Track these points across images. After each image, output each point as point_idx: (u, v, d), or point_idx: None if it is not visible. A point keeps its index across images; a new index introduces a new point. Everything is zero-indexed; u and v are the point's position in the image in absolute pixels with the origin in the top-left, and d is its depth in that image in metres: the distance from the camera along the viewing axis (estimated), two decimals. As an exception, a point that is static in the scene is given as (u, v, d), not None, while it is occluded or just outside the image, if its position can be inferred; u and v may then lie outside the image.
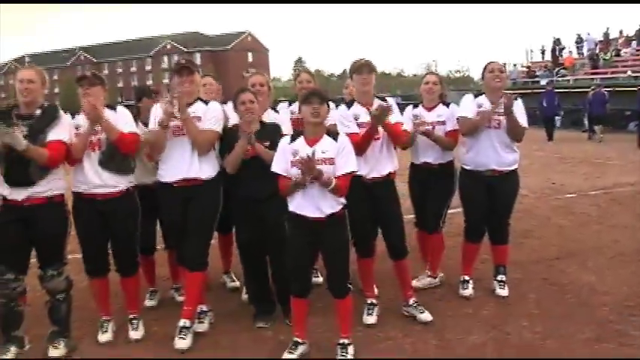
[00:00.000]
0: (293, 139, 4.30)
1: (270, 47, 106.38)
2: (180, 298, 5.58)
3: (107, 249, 4.90)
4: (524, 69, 36.97)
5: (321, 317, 4.88)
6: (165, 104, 4.65)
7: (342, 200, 4.24)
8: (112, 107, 4.79)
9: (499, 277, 5.57)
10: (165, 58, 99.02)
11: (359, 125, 4.80)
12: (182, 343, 4.64)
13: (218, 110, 4.91)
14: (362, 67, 4.89)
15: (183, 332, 4.68)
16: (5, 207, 4.50)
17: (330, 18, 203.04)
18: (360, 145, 4.60)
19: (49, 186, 4.52)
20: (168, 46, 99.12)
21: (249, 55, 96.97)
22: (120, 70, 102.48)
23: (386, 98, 5.02)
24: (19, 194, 4.44)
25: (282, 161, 4.21)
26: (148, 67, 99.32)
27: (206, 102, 4.93)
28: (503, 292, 5.47)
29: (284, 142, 4.30)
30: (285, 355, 4.34)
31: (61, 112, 4.66)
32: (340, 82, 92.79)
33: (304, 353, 4.42)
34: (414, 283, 5.54)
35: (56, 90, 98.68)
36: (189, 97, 4.80)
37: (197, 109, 4.82)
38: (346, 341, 4.35)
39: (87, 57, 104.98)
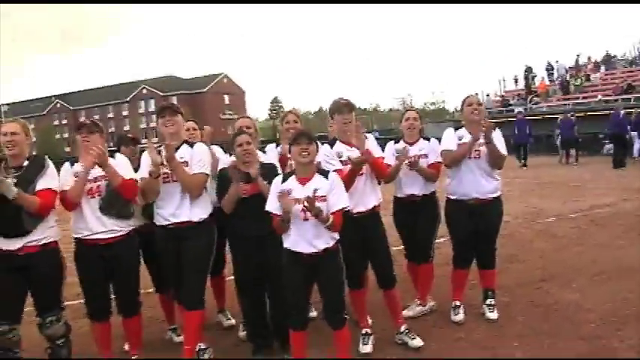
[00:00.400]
0: (285, 179, 4.49)
1: (246, 88, 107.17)
2: (178, 339, 5.73)
3: (109, 292, 5.01)
4: (499, 98, 37.60)
5: (317, 349, 4.98)
6: (153, 154, 4.78)
7: (335, 235, 4.43)
8: (111, 155, 4.92)
9: (488, 301, 5.74)
10: (142, 103, 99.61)
11: (342, 162, 4.98)
12: None
13: (204, 152, 5.07)
14: (342, 108, 5.10)
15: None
16: (0, 257, 4.58)
17: (305, 57, 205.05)
18: (346, 182, 4.76)
19: (44, 234, 4.61)
20: (145, 91, 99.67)
21: (226, 97, 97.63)
22: (97, 117, 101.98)
23: (366, 135, 5.22)
24: (13, 244, 4.53)
25: (276, 200, 4.37)
26: (125, 113, 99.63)
27: (191, 144, 5.08)
28: (493, 315, 5.64)
29: (277, 182, 4.48)
30: None
31: (49, 161, 4.77)
32: (316, 119, 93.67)
33: (305, 383, 4.55)
34: (406, 312, 5.71)
35: (33, 139, 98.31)
36: (174, 139, 4.95)
37: (184, 153, 4.96)
38: (345, 371, 4.48)
39: (63, 104, 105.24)
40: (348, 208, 4.61)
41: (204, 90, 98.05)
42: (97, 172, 4.78)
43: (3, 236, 4.55)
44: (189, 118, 5.64)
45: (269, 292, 5.11)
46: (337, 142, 5.14)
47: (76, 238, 4.92)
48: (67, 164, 4.94)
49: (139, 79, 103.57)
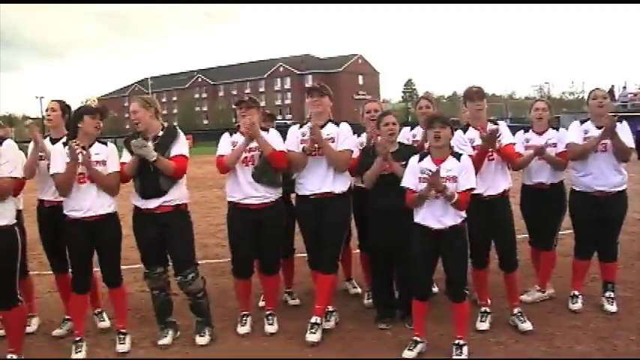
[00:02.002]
0: (421, 158, 4.86)
1: (381, 69, 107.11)
2: (294, 302, 6.33)
3: (253, 253, 5.54)
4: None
5: (437, 324, 5.32)
6: (317, 134, 5.25)
7: (463, 214, 4.75)
8: (266, 129, 5.45)
9: (607, 294, 5.80)
10: (278, 80, 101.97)
11: (474, 148, 5.24)
12: (313, 337, 5.23)
13: (349, 130, 5.50)
14: (474, 95, 5.38)
15: (314, 328, 5.27)
16: (141, 214, 5.26)
17: (441, 41, 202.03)
18: (476, 164, 5.02)
19: (177, 195, 5.20)
20: (281, 69, 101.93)
21: (360, 77, 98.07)
22: (234, 92, 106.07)
23: (497, 122, 5.49)
24: (152, 204, 5.17)
25: (412, 177, 4.78)
26: (262, 89, 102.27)
27: (337, 123, 5.51)
28: (612, 307, 5.70)
29: (413, 161, 4.87)
30: (405, 353, 4.86)
31: (180, 131, 5.36)
32: (450, 103, 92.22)
33: (422, 351, 4.91)
34: (525, 297, 5.93)
35: (175, 110, 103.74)
36: (320, 118, 5.44)
37: (330, 130, 5.42)
38: (461, 342, 4.81)
39: (204, 79, 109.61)
40: (480, 191, 4.91)
41: (340, 70, 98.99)
42: (253, 143, 5.30)
43: (142, 196, 5.20)
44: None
45: (398, 263, 5.50)
46: (470, 127, 5.40)
47: (229, 202, 5.51)
48: (226, 134, 5.53)
49: (276, 56, 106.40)
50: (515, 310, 5.45)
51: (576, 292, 5.86)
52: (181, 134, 5.33)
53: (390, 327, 5.52)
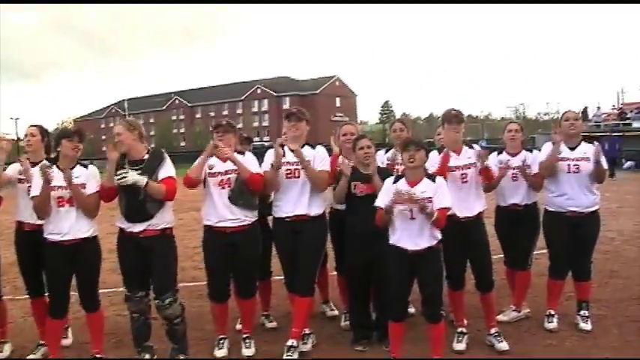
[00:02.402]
0: (396, 180, 4.92)
1: (358, 91, 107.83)
2: (271, 325, 6.31)
3: (229, 276, 5.54)
4: (615, 110, 36.09)
5: (414, 344, 5.30)
6: (276, 151, 5.30)
7: (438, 235, 4.80)
8: (242, 152, 5.50)
9: (582, 312, 5.87)
10: (256, 103, 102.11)
11: (449, 170, 5.32)
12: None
13: (324, 152, 5.58)
14: (452, 118, 5.46)
15: (291, 351, 5.25)
16: (125, 237, 5.22)
17: (417, 62, 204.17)
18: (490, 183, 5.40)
19: (163, 219, 5.16)
20: (259, 91, 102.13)
21: (337, 99, 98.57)
22: (212, 114, 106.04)
23: (473, 145, 5.59)
24: (137, 227, 5.13)
25: (386, 198, 4.81)
26: (239, 111, 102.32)
27: (313, 146, 5.58)
28: (587, 326, 5.77)
29: (388, 182, 4.93)
30: None
31: (165, 153, 5.34)
32: (427, 125, 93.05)
33: (400, 373, 4.93)
34: (501, 317, 5.96)
35: (152, 132, 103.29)
36: (297, 141, 5.46)
37: (307, 153, 5.45)
38: (438, 363, 4.83)
39: (181, 101, 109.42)
40: (455, 213, 5.00)
41: (317, 92, 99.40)
42: (228, 166, 5.34)
43: (127, 220, 5.16)
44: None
45: (374, 285, 5.52)
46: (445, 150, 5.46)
47: (205, 225, 5.50)
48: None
49: (253, 78, 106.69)
50: (492, 330, 5.48)
51: (552, 312, 5.91)
52: (167, 157, 5.30)
53: (367, 349, 5.52)
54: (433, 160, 5.31)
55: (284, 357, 5.24)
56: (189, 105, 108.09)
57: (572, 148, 5.67)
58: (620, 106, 36.74)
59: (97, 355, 5.31)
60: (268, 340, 5.88)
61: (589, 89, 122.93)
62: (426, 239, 4.76)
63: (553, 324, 5.84)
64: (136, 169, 5.03)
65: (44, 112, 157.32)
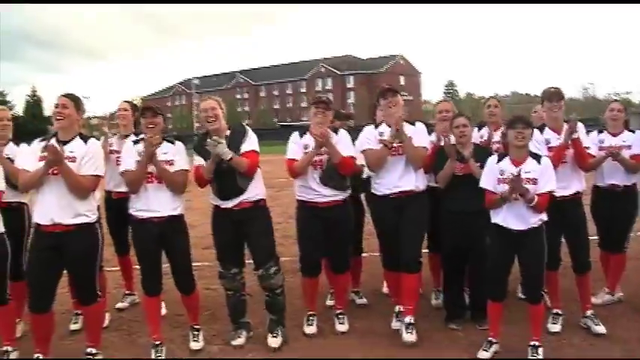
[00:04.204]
0: (500, 159, 4.87)
1: (422, 70, 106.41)
2: (361, 301, 6.35)
3: (322, 251, 5.58)
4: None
5: (507, 325, 5.22)
6: (393, 131, 5.24)
7: (543, 216, 4.75)
8: (335, 129, 5.49)
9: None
10: (320, 81, 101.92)
11: (549, 149, 5.24)
12: (410, 337, 5.22)
13: (423, 130, 5.49)
14: (552, 95, 5.36)
15: (410, 328, 5.26)
16: (219, 212, 5.29)
17: (482, 41, 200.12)
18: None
19: (255, 191, 5.21)
20: (323, 70, 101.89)
21: (402, 78, 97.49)
22: (276, 93, 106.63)
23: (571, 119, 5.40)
24: (231, 203, 5.19)
25: (491, 178, 4.80)
26: (303, 90, 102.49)
27: (413, 122, 5.49)
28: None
29: (491, 162, 4.89)
30: (481, 353, 4.88)
31: (248, 127, 5.36)
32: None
33: (497, 352, 4.92)
34: (593, 300, 5.83)
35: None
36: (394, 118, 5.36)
37: (407, 130, 5.31)
38: (537, 343, 4.81)
39: (246, 80, 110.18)
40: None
41: (381, 70, 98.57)
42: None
43: (221, 198, 5.23)
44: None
45: (471, 264, 5.51)
46: (546, 128, 5.39)
47: (298, 200, 5.56)
48: (295, 135, 5.56)
49: (317, 57, 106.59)
50: (588, 313, 5.41)
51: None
52: (250, 131, 5.32)
53: (460, 327, 5.53)
54: (536, 139, 5.20)
55: (404, 334, 5.25)
56: (253, 84, 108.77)
57: None
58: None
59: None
60: (359, 316, 5.96)
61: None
62: (531, 219, 4.71)
63: (652, 309, 5.70)
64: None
65: (113, 92, 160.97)
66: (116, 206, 5.74)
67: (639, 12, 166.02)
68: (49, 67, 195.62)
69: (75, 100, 4.81)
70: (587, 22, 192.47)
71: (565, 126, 5.27)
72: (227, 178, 5.12)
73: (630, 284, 6.23)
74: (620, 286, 6.15)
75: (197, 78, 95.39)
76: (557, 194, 5.16)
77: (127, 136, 5.79)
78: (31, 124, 53.27)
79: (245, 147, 5.16)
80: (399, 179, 5.37)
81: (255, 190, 5.23)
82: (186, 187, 5.16)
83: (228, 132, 5.24)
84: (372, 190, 5.58)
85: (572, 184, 5.34)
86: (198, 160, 5.22)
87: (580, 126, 5.33)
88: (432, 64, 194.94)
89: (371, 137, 5.48)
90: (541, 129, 5.39)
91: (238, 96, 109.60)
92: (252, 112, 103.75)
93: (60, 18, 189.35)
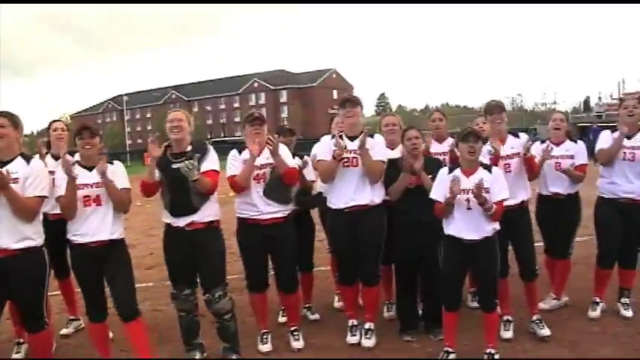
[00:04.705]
0: (450, 170, 4.94)
1: (354, 84, 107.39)
2: (314, 317, 6.34)
3: (266, 269, 5.53)
4: (616, 101, 36.24)
5: (461, 334, 5.28)
6: (337, 141, 5.23)
7: (496, 225, 4.83)
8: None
9: (623, 300, 5.91)
10: (253, 96, 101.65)
11: (490, 159, 5.33)
12: (369, 342, 5.40)
13: (382, 142, 5.48)
14: (494, 108, 5.54)
15: (369, 334, 5.47)
16: (171, 231, 5.14)
17: (412, 54, 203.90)
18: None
19: (209, 211, 5.06)
20: (256, 84, 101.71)
21: (334, 92, 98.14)
22: (209, 108, 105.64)
23: (518, 134, 5.65)
24: (182, 221, 5.05)
25: (441, 189, 4.85)
26: (236, 105, 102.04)
27: (372, 135, 5.44)
28: (628, 313, 5.80)
29: (443, 173, 4.95)
30: None
31: (209, 145, 5.24)
32: (423, 117, 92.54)
33: (454, 361, 4.97)
34: (542, 305, 5.97)
35: (149, 127, 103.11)
36: (355, 129, 5.38)
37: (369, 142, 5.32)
38: (493, 350, 4.89)
39: (178, 95, 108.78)
40: None
41: (314, 84, 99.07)
42: (262, 160, 5.25)
43: (172, 214, 5.09)
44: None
45: (424, 275, 5.55)
46: (488, 140, 5.46)
47: (239, 218, 5.44)
48: (234, 151, 5.41)
49: (250, 72, 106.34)
50: (534, 317, 5.52)
51: (597, 299, 5.94)
52: (211, 149, 5.20)
53: (415, 339, 5.55)
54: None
55: (363, 340, 5.45)
56: (186, 99, 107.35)
57: (628, 137, 5.64)
58: (621, 96, 36.68)
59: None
60: (313, 332, 5.92)
61: (588, 80, 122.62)
62: (484, 229, 4.78)
63: (596, 312, 5.87)
64: (179, 162, 4.91)
65: (39, 109, 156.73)
66: (54, 228, 5.30)
67: (568, 25, 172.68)
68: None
69: (10, 118, 4.57)
70: (513, 35, 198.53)
71: (510, 137, 5.51)
72: (180, 194, 4.98)
73: (575, 288, 6.39)
74: (565, 291, 6.30)
75: (128, 94, 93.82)
76: (505, 203, 5.27)
77: (58, 157, 5.39)
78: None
79: (206, 165, 5.03)
80: (354, 193, 5.34)
81: (209, 211, 5.09)
82: (130, 204, 4.98)
83: (189, 147, 5.11)
84: (328, 204, 5.54)
85: (518, 193, 5.45)
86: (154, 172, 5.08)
87: (523, 136, 5.59)
88: (363, 77, 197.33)
89: (326, 148, 5.45)
90: (485, 141, 5.46)
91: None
92: (242, 126, 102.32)
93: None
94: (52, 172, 5.47)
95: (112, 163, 4.94)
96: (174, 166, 4.92)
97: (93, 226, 4.78)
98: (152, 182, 5.05)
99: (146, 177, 5.06)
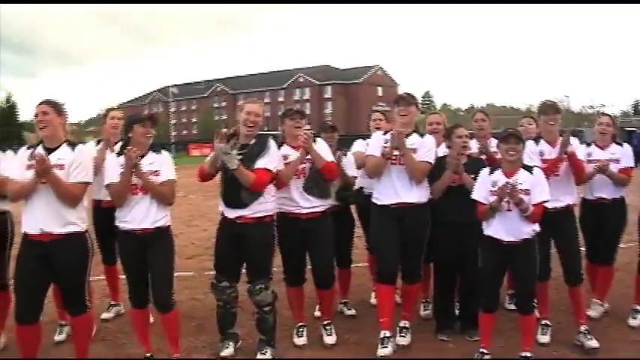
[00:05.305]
0: (492, 171, 4.92)
1: (399, 81, 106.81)
2: (350, 312, 6.34)
3: (304, 264, 5.58)
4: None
5: (496, 336, 5.23)
6: (392, 139, 5.17)
7: (536, 227, 4.78)
8: (314, 140, 5.39)
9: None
10: (297, 91, 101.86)
11: (543, 161, 5.30)
12: (403, 340, 5.42)
13: (431, 142, 5.38)
14: (548, 109, 5.45)
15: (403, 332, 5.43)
16: (224, 221, 5.23)
17: (458, 53, 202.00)
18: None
19: (259, 208, 5.06)
20: (301, 79, 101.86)
21: (379, 89, 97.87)
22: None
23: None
24: (232, 213, 5.13)
25: (483, 190, 4.84)
26: (281, 99, 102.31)
27: (421, 134, 5.43)
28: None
29: (484, 174, 4.93)
30: None
31: (272, 142, 5.13)
32: (468, 116, 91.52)
33: (489, 363, 4.94)
34: (590, 313, 5.88)
35: (194, 119, 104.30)
36: (407, 127, 5.32)
37: (414, 141, 5.30)
38: (529, 354, 4.84)
39: (223, 88, 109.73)
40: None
41: (359, 81, 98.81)
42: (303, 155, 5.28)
43: (224, 204, 5.18)
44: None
45: (464, 275, 5.54)
46: (541, 140, 5.46)
47: (279, 213, 5.44)
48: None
49: (295, 67, 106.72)
50: (582, 328, 5.34)
51: (638, 307, 5.83)
52: (273, 146, 5.15)
53: (450, 339, 5.54)
54: (529, 150, 5.30)
55: (397, 338, 5.43)
56: (230, 92, 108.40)
57: None
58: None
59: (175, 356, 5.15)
60: (348, 327, 5.94)
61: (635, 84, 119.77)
62: (523, 231, 4.74)
63: (637, 320, 5.76)
64: (241, 154, 4.96)
65: (87, 98, 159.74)
66: (105, 215, 5.51)
67: (616, 26, 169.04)
68: (22, 72, 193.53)
69: (54, 106, 4.68)
70: (563, 36, 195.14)
71: (560, 140, 5.33)
72: (231, 186, 5.05)
73: (615, 296, 6.29)
74: (606, 298, 6.19)
75: (175, 86, 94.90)
76: (550, 206, 5.17)
77: (115, 143, 5.62)
78: (5, 131, 52.59)
79: (260, 163, 5.02)
80: (400, 190, 5.29)
81: (260, 207, 5.09)
82: (174, 197, 5.01)
83: (253, 140, 5.14)
84: (373, 200, 5.48)
85: (565, 197, 5.39)
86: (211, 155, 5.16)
87: (573, 139, 5.40)
88: (409, 75, 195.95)
89: (377, 144, 5.39)
90: (536, 141, 5.46)
91: (216, 104, 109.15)
92: (230, 120, 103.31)
93: (34, 19, 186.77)
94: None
95: (159, 153, 5.01)
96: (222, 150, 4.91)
97: (139, 214, 4.86)
98: (208, 172, 5.17)
99: (206, 165, 5.16)
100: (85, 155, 4.77)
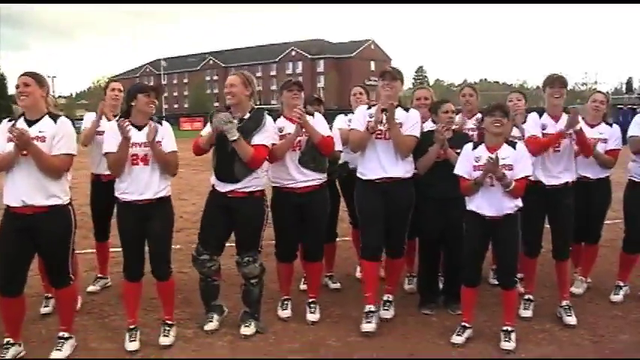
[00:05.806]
0: (475, 146, 4.91)
1: (392, 56, 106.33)
2: (335, 285, 6.41)
3: (297, 239, 5.57)
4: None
5: (479, 310, 5.31)
6: (376, 115, 5.17)
7: (519, 203, 4.79)
8: (311, 114, 5.42)
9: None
10: (290, 65, 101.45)
11: (544, 135, 5.29)
12: (386, 314, 5.45)
13: (416, 116, 5.34)
14: (555, 81, 5.35)
15: (369, 316, 5.25)
16: (214, 193, 5.23)
17: (452, 28, 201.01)
18: (538, 149, 5.18)
19: (251, 183, 5.07)
20: (293, 53, 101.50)
21: (372, 63, 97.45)
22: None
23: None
24: (223, 187, 5.13)
25: (466, 165, 4.84)
26: (273, 73, 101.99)
27: (407, 109, 5.40)
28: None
29: (467, 149, 4.92)
30: (454, 338, 4.93)
31: (267, 117, 5.16)
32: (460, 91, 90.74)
33: (470, 337, 4.98)
34: (574, 289, 5.94)
35: (185, 92, 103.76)
36: (392, 100, 5.22)
37: (399, 115, 5.25)
38: (509, 328, 4.87)
39: (215, 62, 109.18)
40: (541, 180, 5.08)
41: (352, 55, 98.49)
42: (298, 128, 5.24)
43: (217, 177, 5.18)
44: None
45: (447, 250, 5.58)
46: (545, 114, 5.43)
47: (274, 187, 5.49)
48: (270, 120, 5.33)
49: (288, 40, 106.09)
50: (564, 303, 5.41)
51: (621, 283, 5.90)
52: (268, 121, 5.17)
53: (434, 312, 5.59)
54: (532, 122, 5.35)
55: (381, 311, 5.46)
56: (223, 65, 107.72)
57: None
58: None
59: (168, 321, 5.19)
60: (333, 301, 5.99)
61: (631, 60, 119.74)
62: (506, 206, 4.75)
63: (619, 296, 5.82)
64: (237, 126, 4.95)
65: (79, 71, 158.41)
66: (105, 189, 5.50)
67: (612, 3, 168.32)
68: (12, 44, 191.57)
69: (36, 77, 4.60)
70: (557, 12, 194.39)
71: (564, 116, 5.28)
72: (224, 160, 5.05)
73: (598, 271, 6.35)
74: (589, 274, 6.25)
75: (166, 59, 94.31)
76: (548, 183, 5.26)
77: (115, 116, 5.67)
78: (-6, 103, 51.97)
79: (256, 139, 5.03)
80: (385, 165, 5.26)
81: (252, 182, 5.11)
82: (177, 167, 5.02)
83: (248, 114, 5.13)
84: (358, 174, 5.45)
85: (564, 174, 5.37)
86: (206, 130, 5.17)
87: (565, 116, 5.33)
88: (402, 50, 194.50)
89: (361, 118, 5.36)
90: (540, 113, 5.43)
91: (208, 78, 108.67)
92: (222, 94, 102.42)
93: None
94: (100, 133, 5.62)
95: (160, 124, 4.98)
96: (220, 118, 4.91)
97: (140, 185, 4.85)
98: (203, 147, 5.18)
99: (202, 140, 5.15)
100: (68, 127, 4.71)
